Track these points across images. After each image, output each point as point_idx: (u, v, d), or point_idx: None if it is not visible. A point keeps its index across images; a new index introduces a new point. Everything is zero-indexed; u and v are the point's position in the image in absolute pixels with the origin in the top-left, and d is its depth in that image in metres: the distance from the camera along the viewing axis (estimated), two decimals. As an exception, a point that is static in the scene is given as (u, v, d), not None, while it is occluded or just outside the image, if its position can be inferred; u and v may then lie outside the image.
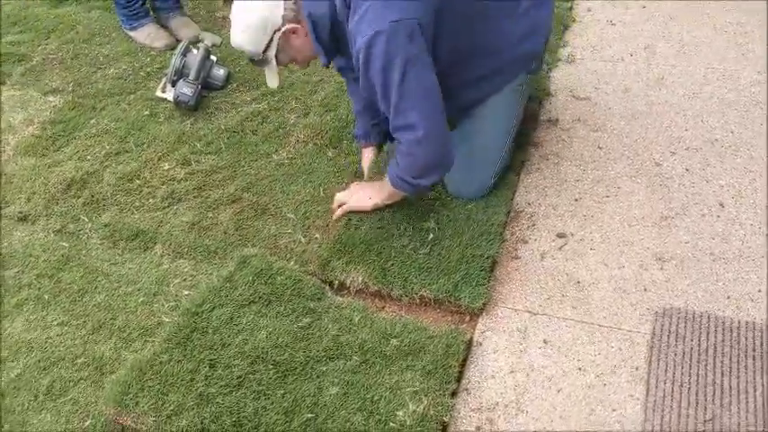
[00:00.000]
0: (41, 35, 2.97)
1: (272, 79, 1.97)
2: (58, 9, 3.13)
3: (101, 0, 3.18)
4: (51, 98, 2.63)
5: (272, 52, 1.86)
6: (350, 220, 2.09)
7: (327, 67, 1.99)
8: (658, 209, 2.12)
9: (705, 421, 1.61)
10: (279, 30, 1.82)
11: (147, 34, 2.88)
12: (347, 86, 2.25)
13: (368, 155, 2.21)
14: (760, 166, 2.23)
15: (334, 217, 2.08)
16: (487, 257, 1.96)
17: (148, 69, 2.76)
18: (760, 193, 2.14)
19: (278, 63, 1.91)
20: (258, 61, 1.89)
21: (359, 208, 2.07)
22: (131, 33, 2.92)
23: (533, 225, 2.11)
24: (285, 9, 1.80)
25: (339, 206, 2.09)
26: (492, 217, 2.08)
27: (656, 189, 2.19)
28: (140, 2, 2.87)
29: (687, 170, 2.24)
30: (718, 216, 2.09)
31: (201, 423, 1.56)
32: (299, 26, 1.83)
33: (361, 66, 1.75)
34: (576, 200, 2.17)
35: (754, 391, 1.66)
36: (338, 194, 2.11)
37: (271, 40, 1.83)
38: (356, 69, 1.81)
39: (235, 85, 2.67)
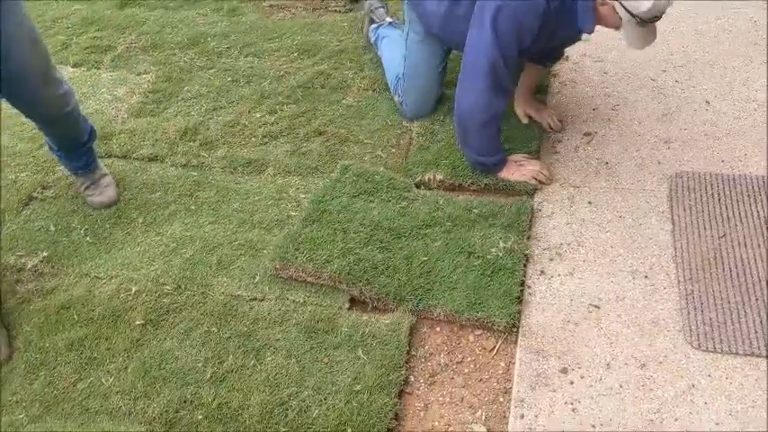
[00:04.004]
0: (118, 30, 3.46)
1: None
2: (124, 10, 3.63)
3: (160, 0, 3.70)
4: (144, 76, 3.11)
5: None
6: (419, 140, 2.61)
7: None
8: (659, 109, 2.69)
9: (719, 237, 2.15)
10: None
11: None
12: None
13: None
14: (732, 74, 2.82)
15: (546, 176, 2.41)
16: (534, 150, 2.50)
17: (219, 50, 3.27)
18: (736, 92, 2.72)
19: None
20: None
21: None
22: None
23: (564, 129, 2.65)
24: None
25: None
26: (531, 126, 2.62)
27: (655, 96, 2.76)
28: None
29: (677, 81, 2.82)
30: (706, 109, 2.67)
31: (348, 266, 2.05)
32: None
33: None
34: (594, 109, 2.73)
35: (752, 216, 2.21)
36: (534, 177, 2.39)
37: None
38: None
39: (295, 54, 3.20)
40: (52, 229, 2.33)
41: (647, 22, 2.03)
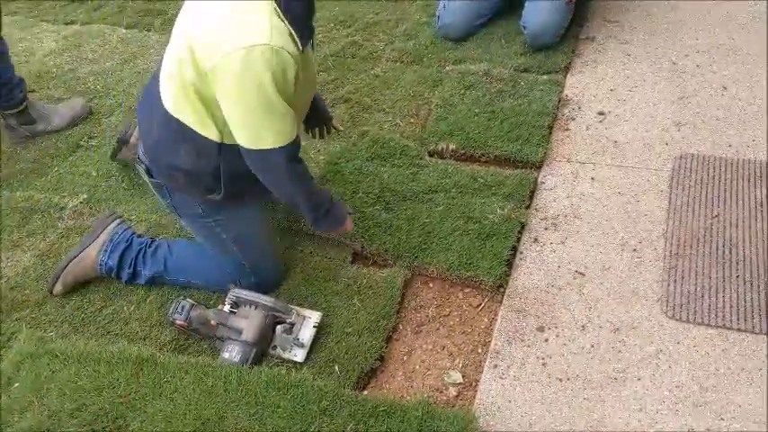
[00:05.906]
0: (169, -4, 3.70)
1: None
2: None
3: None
4: (189, 39, 3.33)
5: None
6: (437, 111, 2.74)
7: None
8: (675, 92, 2.75)
9: (713, 217, 2.23)
10: None
11: None
12: None
13: None
14: (754, 60, 2.85)
15: None
16: (545, 126, 2.60)
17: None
18: (755, 79, 2.75)
19: None
20: None
21: None
22: None
23: (579, 108, 2.74)
24: None
25: None
26: (547, 103, 2.72)
27: (673, 80, 2.81)
28: None
29: (698, 66, 2.87)
30: (723, 95, 2.71)
31: (353, 222, 2.22)
32: None
33: None
34: (611, 90, 2.81)
35: (748, 198, 2.27)
36: None
37: None
38: None
39: (332, 24, 3.35)
40: (93, 174, 2.57)
41: None
